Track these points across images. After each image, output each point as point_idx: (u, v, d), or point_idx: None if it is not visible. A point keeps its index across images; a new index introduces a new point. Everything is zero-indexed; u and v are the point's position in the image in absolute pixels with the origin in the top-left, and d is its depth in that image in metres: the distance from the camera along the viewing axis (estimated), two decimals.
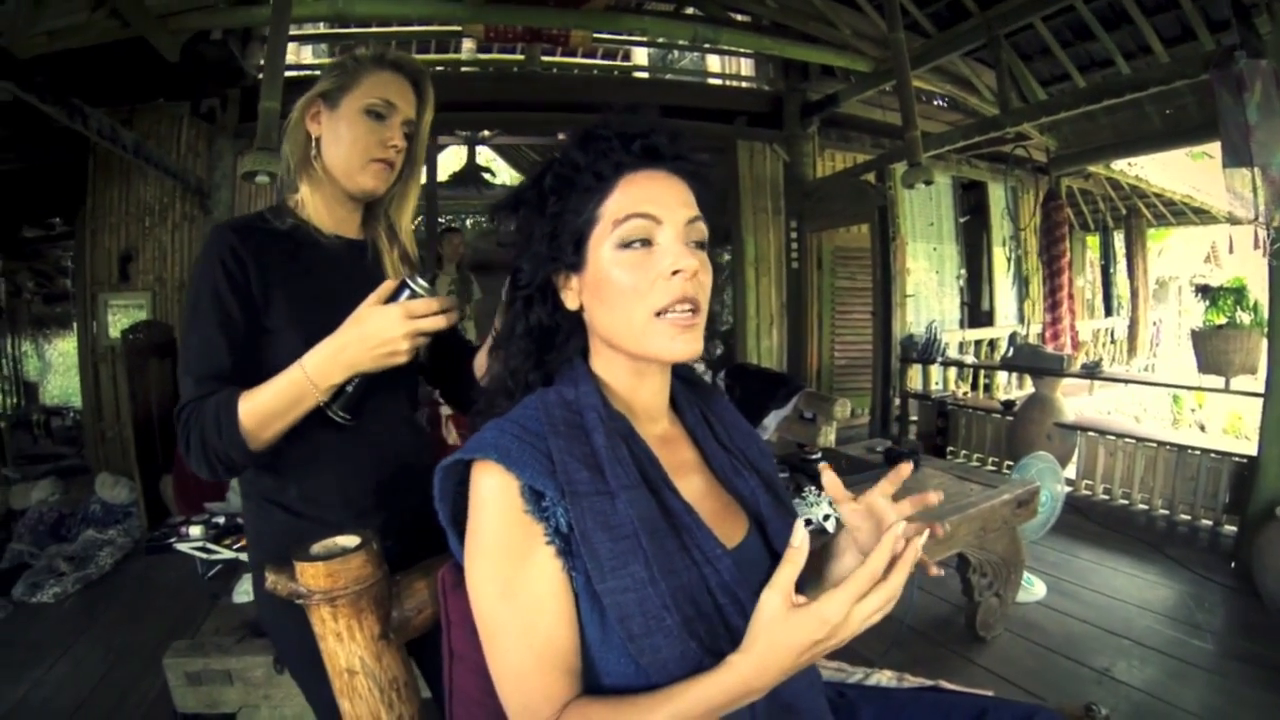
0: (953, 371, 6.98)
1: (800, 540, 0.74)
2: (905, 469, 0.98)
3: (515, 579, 0.85)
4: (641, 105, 1.01)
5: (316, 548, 0.98)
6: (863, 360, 6.83)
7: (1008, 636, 2.98)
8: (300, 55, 7.63)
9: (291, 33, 6.34)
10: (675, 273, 0.90)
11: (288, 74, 5.83)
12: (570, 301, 0.99)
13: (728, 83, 8.03)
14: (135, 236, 5.92)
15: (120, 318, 5.78)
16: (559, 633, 0.85)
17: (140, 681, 2.96)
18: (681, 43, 7.27)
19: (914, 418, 6.23)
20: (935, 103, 7.38)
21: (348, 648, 0.99)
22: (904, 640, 2.82)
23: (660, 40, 7.65)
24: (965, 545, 2.67)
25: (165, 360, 5.25)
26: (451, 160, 10.07)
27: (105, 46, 4.75)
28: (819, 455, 3.00)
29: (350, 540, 0.99)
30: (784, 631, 0.74)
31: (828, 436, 3.81)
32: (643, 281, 0.91)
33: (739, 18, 6.57)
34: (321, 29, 7.02)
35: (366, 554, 0.98)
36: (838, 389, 6.81)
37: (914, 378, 6.61)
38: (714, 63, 8.70)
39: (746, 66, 7.88)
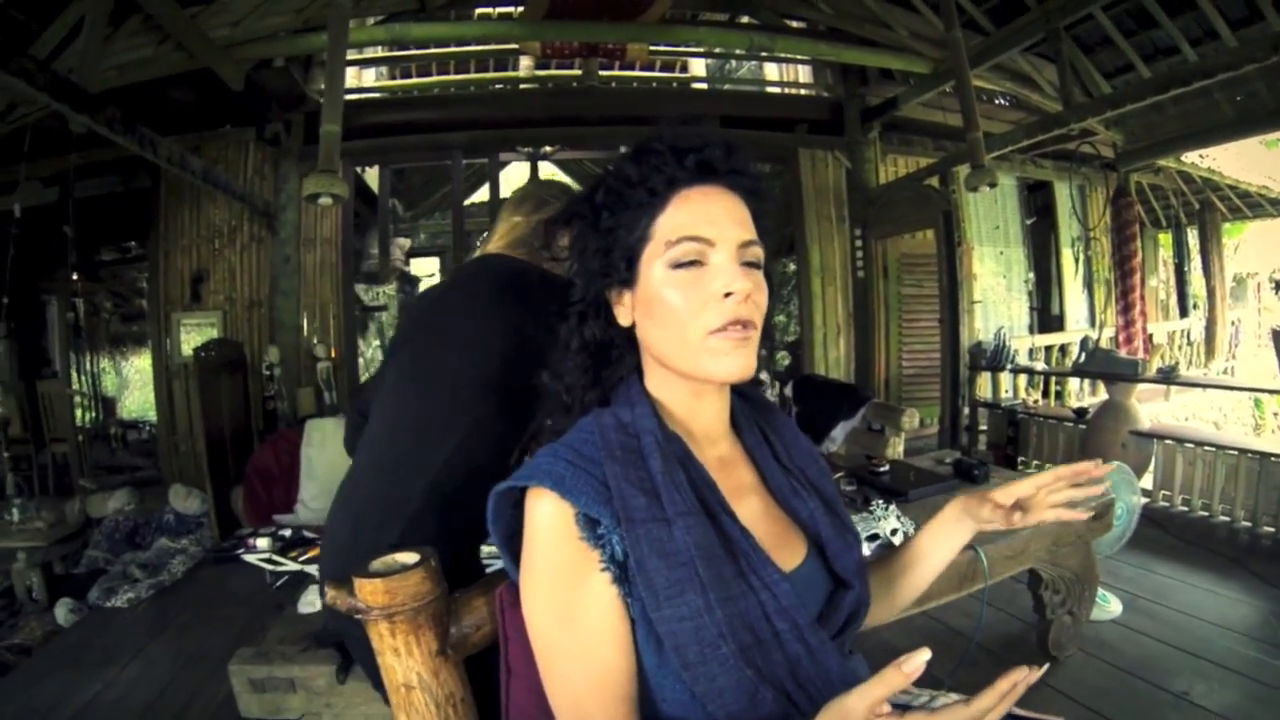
0: (1023, 379, 6.79)
1: (912, 668, 0.68)
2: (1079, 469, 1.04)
3: (571, 606, 0.85)
4: (697, 118, 1.01)
5: (376, 564, 0.99)
6: (931, 369, 6.69)
7: (1081, 656, 2.84)
8: (361, 79, 7.80)
9: (351, 57, 6.54)
10: (727, 294, 0.89)
11: (349, 97, 6.02)
12: (623, 318, 0.98)
13: (786, 90, 7.98)
14: (206, 258, 6.12)
15: (192, 336, 5.98)
16: (615, 660, 0.84)
17: (208, 686, 3.03)
18: (738, 52, 7.24)
19: (983, 427, 6.03)
20: (997, 101, 7.20)
21: (405, 663, 0.99)
22: (973, 659, 2.73)
23: (717, 50, 7.64)
24: (1037, 560, 2.57)
25: (235, 376, 5.41)
26: (514, 176, 10.21)
27: (174, 78, 4.95)
28: (887, 467, 2.94)
29: (409, 557, 1.00)
30: None
31: (896, 448, 3.74)
32: (695, 301, 0.90)
33: (794, 24, 6.54)
34: (380, 53, 7.13)
35: (425, 570, 0.98)
36: (906, 399, 6.68)
37: (983, 386, 6.44)
38: (772, 71, 8.65)
39: (805, 73, 7.81)
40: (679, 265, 0.90)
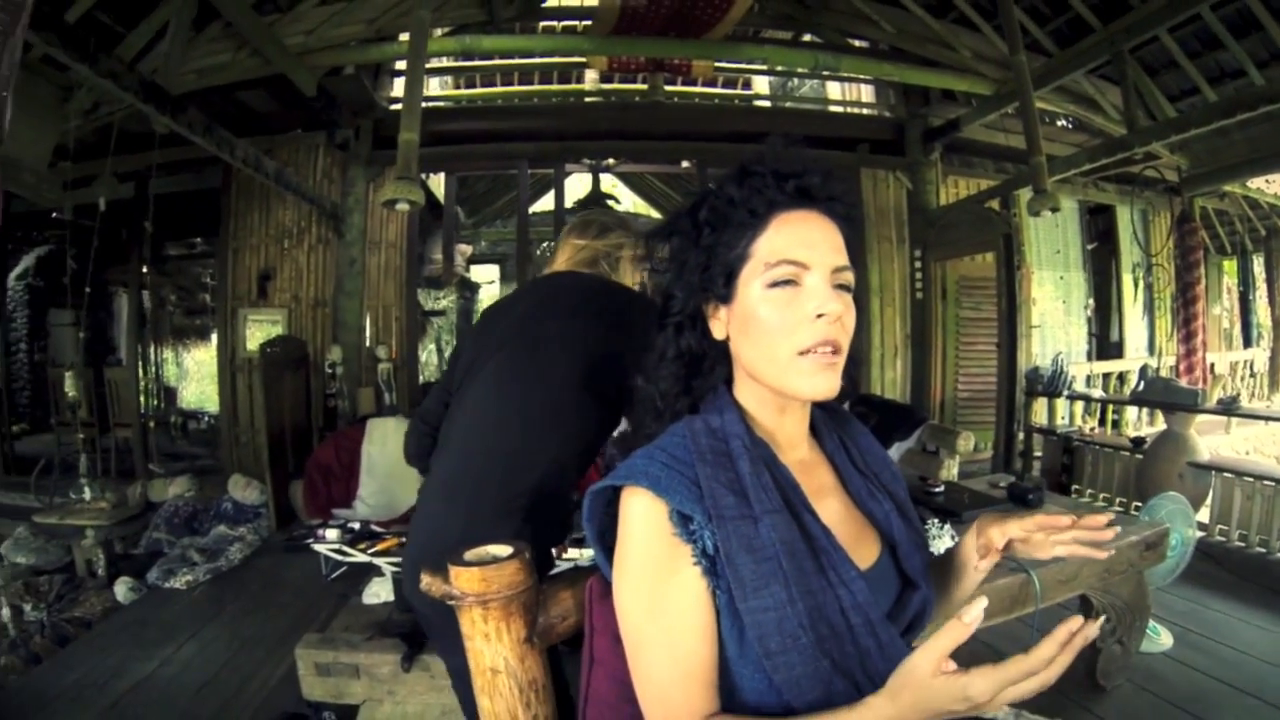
0: (1079, 406, 6.69)
1: (972, 619, 0.73)
2: (1101, 520, 1.02)
3: (662, 597, 0.89)
4: (796, 139, 1.04)
5: (470, 554, 1.04)
6: (987, 393, 6.61)
7: (1129, 688, 2.79)
8: (430, 87, 7.94)
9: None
10: (820, 316, 0.93)
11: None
12: (718, 331, 1.03)
13: (848, 110, 7.97)
14: (273, 256, 6.31)
15: (257, 332, 6.15)
16: (701, 648, 0.89)
17: (262, 668, 3.14)
18: (802, 71, 7.26)
19: (1038, 453, 5.96)
20: (1060, 124, 7.12)
21: (494, 648, 1.04)
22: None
23: (781, 69, 7.66)
24: (1088, 587, 2.54)
25: (298, 373, 5.53)
26: (577, 187, 10.30)
27: (249, 82, 5.12)
28: (941, 488, 2.94)
29: (503, 549, 1.05)
30: (926, 692, 0.74)
31: (950, 470, 3.73)
32: (789, 321, 0.94)
33: (857, 43, 6.55)
34: (448, 63, 7.28)
35: (519, 562, 1.03)
36: (961, 422, 6.59)
37: (1039, 412, 6.37)
38: (834, 90, 8.65)
39: (867, 93, 7.80)
40: (775, 285, 0.95)
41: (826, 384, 0.94)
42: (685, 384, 1.06)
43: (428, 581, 1.08)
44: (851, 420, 1.20)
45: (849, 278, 0.98)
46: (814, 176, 0.98)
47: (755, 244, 0.96)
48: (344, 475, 4.54)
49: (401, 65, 6.05)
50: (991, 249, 6.08)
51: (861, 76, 7.23)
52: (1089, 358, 7.62)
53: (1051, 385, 6.14)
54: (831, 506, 1.02)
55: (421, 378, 7.02)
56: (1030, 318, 6.76)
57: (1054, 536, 1.03)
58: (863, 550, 1.00)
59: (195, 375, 10.39)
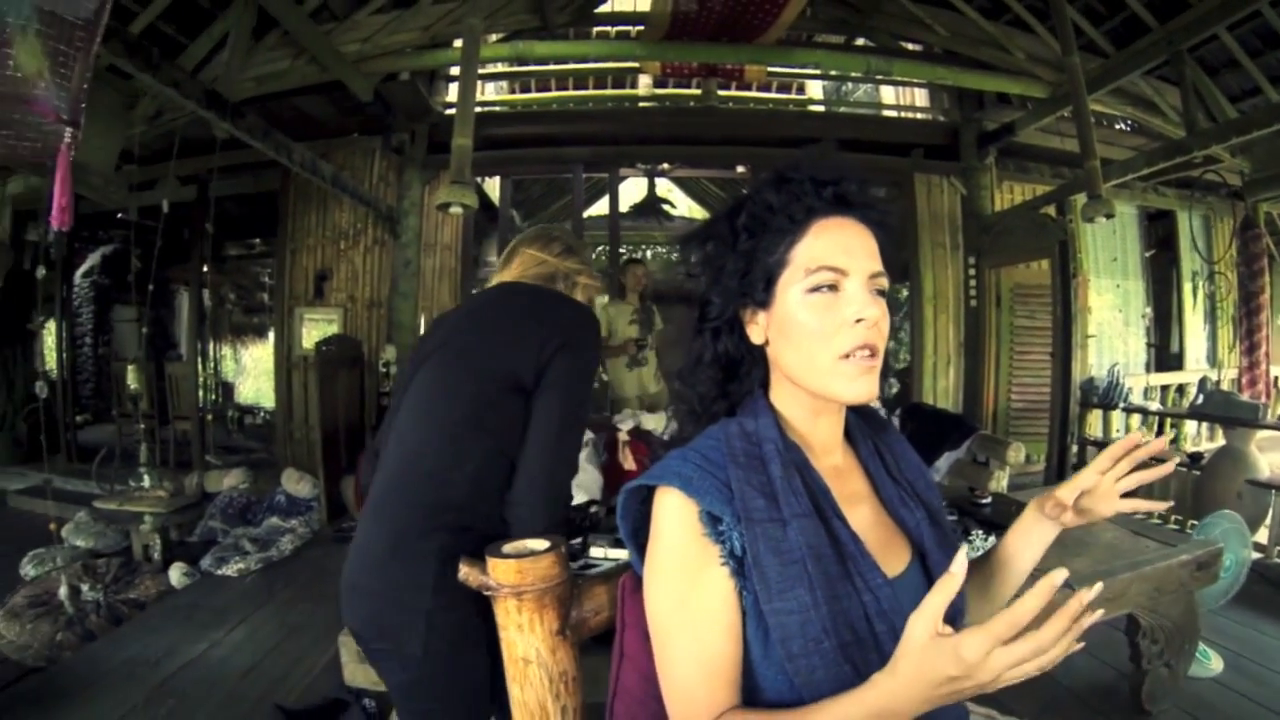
0: (1136, 419, 6.44)
1: (958, 568, 0.73)
2: (1132, 440, 1.05)
3: (690, 594, 0.92)
4: (827, 146, 1.07)
5: (508, 547, 1.09)
6: (1040, 404, 6.46)
7: (1176, 713, 2.68)
8: (485, 91, 8.06)
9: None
10: (858, 320, 0.95)
11: (474, 110, 6.22)
12: (756, 336, 1.04)
13: (902, 114, 7.88)
14: (330, 257, 6.47)
15: (313, 330, 6.31)
16: (725, 647, 0.90)
17: (308, 655, 3.23)
18: (855, 75, 7.22)
19: None
20: (1118, 126, 6.95)
21: (527, 639, 1.07)
22: (1059, 703, 2.65)
23: (834, 73, 7.63)
24: (1136, 606, 2.45)
25: (353, 371, 5.65)
26: (632, 191, 10.35)
27: (306, 88, 5.29)
28: (989, 500, 2.89)
29: (540, 544, 1.10)
30: (923, 658, 0.73)
31: (1000, 482, 3.65)
32: (828, 325, 0.96)
33: (910, 47, 6.49)
34: (503, 68, 7.37)
35: (555, 556, 1.08)
36: (1013, 433, 6.47)
37: (1093, 424, 6.18)
38: (888, 94, 8.58)
39: (921, 97, 7.72)
40: (815, 290, 0.97)
41: (866, 387, 0.96)
42: (722, 388, 1.08)
43: (466, 571, 1.13)
44: (887, 426, 1.21)
45: (884, 283, 1.00)
46: (851, 183, 1.01)
47: (794, 250, 0.99)
48: None
49: (455, 71, 6.15)
50: (1047, 256, 5.95)
51: (915, 80, 7.14)
52: (1147, 369, 7.38)
53: (1107, 397, 5.98)
54: (862, 513, 1.03)
55: None
56: (1086, 327, 6.56)
57: (1120, 484, 1.06)
58: (892, 557, 1.00)
59: (253, 371, 10.71)
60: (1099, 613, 0.74)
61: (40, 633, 3.39)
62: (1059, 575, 0.72)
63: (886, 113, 8.20)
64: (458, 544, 1.45)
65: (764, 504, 0.91)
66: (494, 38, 6.23)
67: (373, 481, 1.65)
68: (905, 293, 6.76)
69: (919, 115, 7.56)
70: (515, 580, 1.04)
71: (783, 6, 5.17)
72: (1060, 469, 5.74)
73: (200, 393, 6.92)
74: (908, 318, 6.69)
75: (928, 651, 0.73)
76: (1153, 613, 2.52)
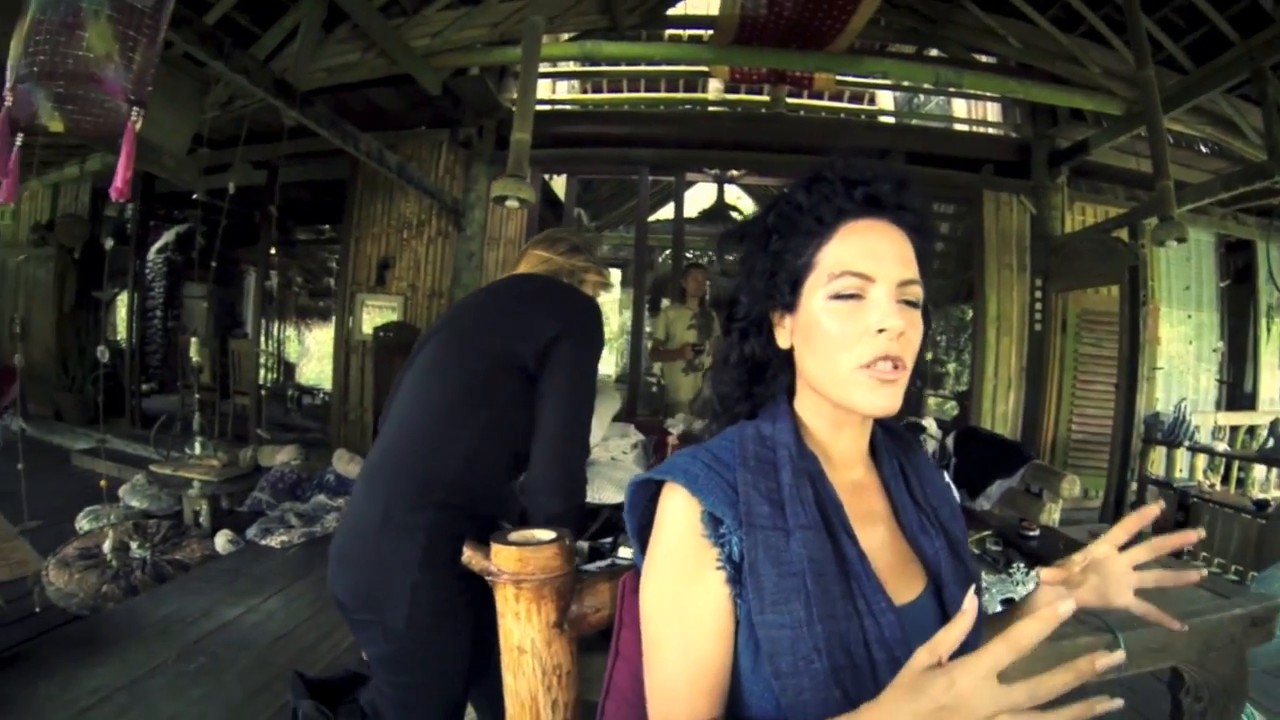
0: (1201, 459, 6.18)
1: (970, 605, 0.69)
2: (1151, 511, 0.97)
3: (683, 595, 0.89)
4: (882, 152, 1.03)
5: (514, 535, 1.09)
6: (1101, 436, 6.21)
7: None
8: (555, 90, 8.15)
9: (545, 70, 6.87)
10: (881, 330, 0.90)
11: (542, 108, 6.32)
12: (782, 339, 1.01)
13: (973, 129, 7.73)
14: (394, 246, 6.63)
15: (374, 316, 6.47)
16: (714, 654, 0.87)
17: (337, 630, 3.30)
18: (927, 86, 7.12)
19: None
20: (1199, 148, 6.67)
21: (523, 628, 1.07)
22: None
23: (904, 84, 7.54)
24: (1182, 659, 2.28)
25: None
26: (701, 197, 10.35)
27: (376, 80, 5.45)
28: (1037, 532, 2.75)
29: (546, 534, 1.10)
30: (915, 683, 0.69)
31: (1051, 514, 3.49)
32: (850, 333, 0.91)
33: (983, 59, 6.37)
34: (574, 67, 7.41)
35: (558, 548, 1.07)
36: (1071, 465, 6.27)
37: (1156, 462, 5.96)
38: (960, 108, 8.44)
39: (993, 111, 7.56)
40: (838, 297, 0.92)
41: (886, 400, 0.91)
42: (746, 389, 1.05)
43: (469, 555, 1.13)
44: (916, 447, 1.15)
45: (916, 292, 0.94)
46: (884, 184, 0.95)
47: (821, 253, 0.95)
48: None
49: None
50: (1116, 281, 5.76)
51: (986, 93, 7.00)
52: (1216, 407, 7.03)
53: (1172, 434, 5.76)
54: (877, 534, 0.98)
55: None
56: (1154, 358, 6.35)
57: (1134, 558, 0.99)
58: (904, 584, 0.95)
59: (315, 354, 11.01)
60: (1117, 702, 0.67)
61: (87, 583, 3.57)
62: (1066, 607, 0.67)
63: (958, 127, 8.06)
64: (447, 520, 1.49)
65: (769, 510, 0.88)
66: (564, 37, 6.31)
67: (368, 455, 1.69)
68: (970, 313, 6.62)
69: (990, 131, 7.41)
70: (516, 568, 1.04)
71: (851, 13, 5.12)
72: (1118, 506, 5.50)
73: (262, 371, 7.12)
74: (970, 339, 6.53)
75: (921, 678, 0.69)
76: (1199, 668, 2.34)
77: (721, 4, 5.30)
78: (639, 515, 0.98)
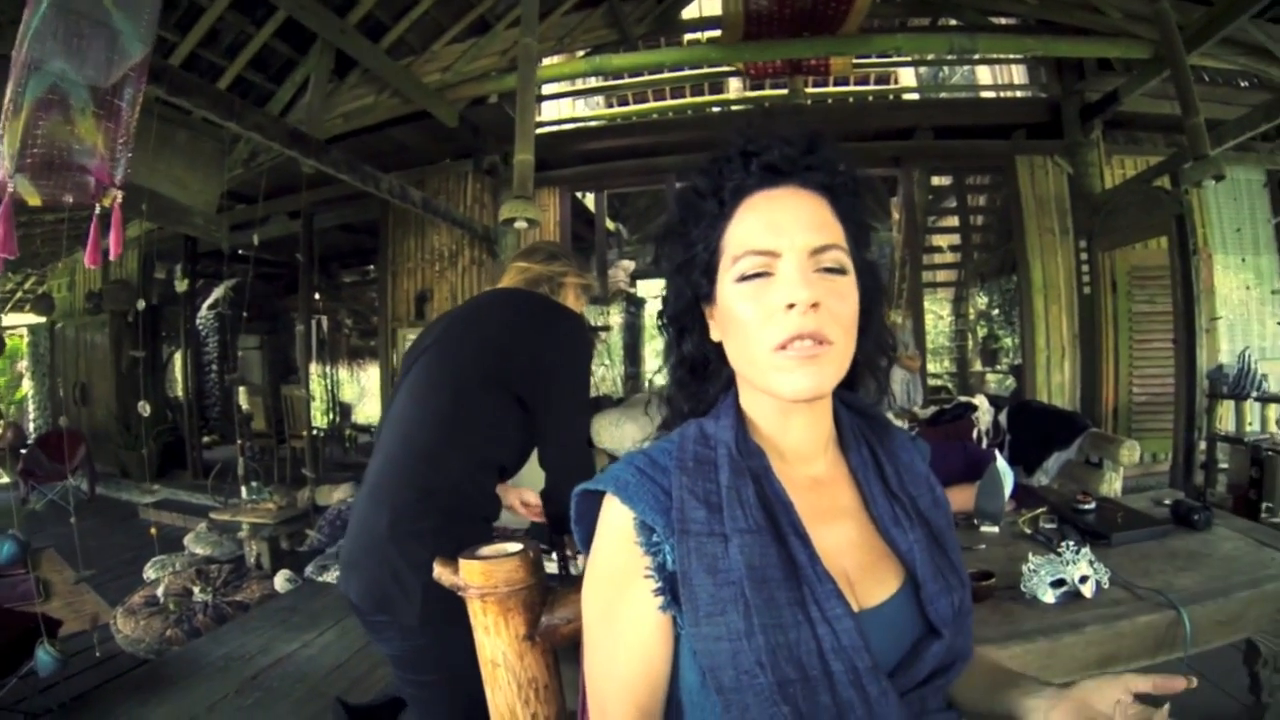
0: (1273, 409, 5.82)
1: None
2: (1179, 685, 0.82)
3: (615, 605, 0.85)
4: (775, 113, 0.96)
5: (486, 549, 1.09)
6: (1165, 396, 5.95)
7: None
8: (576, 108, 8.23)
9: (564, 89, 6.94)
10: (790, 306, 0.82)
11: (565, 127, 6.39)
12: (714, 333, 0.95)
13: (1000, 94, 7.56)
14: (430, 279, 6.76)
15: None
16: (640, 669, 0.84)
17: (388, 660, 3.34)
18: (945, 56, 6.99)
19: (1223, 465, 5.22)
20: (1238, 83, 6.31)
21: (494, 641, 1.07)
22: None
23: (916, 57, 7.42)
24: (1256, 630, 2.07)
25: None
26: None
27: (395, 120, 5.60)
28: (1093, 505, 2.57)
29: (513, 546, 1.09)
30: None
31: (1113, 484, 3.32)
32: (760, 315, 0.84)
33: (1003, 21, 6.22)
34: (597, 83, 7.44)
35: (521, 560, 1.05)
36: (1136, 430, 6.03)
37: (1225, 417, 5.68)
38: (984, 75, 8.27)
39: (1019, 74, 7.39)
40: (744, 278, 0.85)
41: (807, 381, 0.83)
42: (691, 390, 1.00)
43: (439, 570, 1.12)
44: (893, 432, 1.04)
45: (837, 257, 0.85)
46: (784, 148, 0.87)
47: (725, 236, 0.88)
48: None
49: (548, 90, 6.29)
50: (1163, 233, 5.54)
51: (1007, 56, 6.83)
52: None
53: (1238, 386, 5.48)
54: (843, 530, 0.90)
55: None
56: (1212, 308, 6.08)
57: (1132, 686, 0.84)
58: (876, 583, 0.87)
59: (372, 392, 11.26)
60: (1191, 682, 0.69)
61: (152, 629, 3.74)
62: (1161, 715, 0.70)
63: (984, 94, 7.88)
64: (452, 523, 1.57)
65: (704, 515, 0.82)
66: (580, 54, 6.37)
67: (369, 466, 1.74)
68: (1014, 283, 6.44)
69: (1018, 94, 7.22)
70: (481, 581, 1.04)
71: None
72: (1188, 468, 5.24)
73: (318, 414, 7.31)
74: (1018, 311, 6.35)
75: None
76: (1276, 638, 2.19)
77: (724, 1, 5.30)
78: (587, 525, 0.92)
